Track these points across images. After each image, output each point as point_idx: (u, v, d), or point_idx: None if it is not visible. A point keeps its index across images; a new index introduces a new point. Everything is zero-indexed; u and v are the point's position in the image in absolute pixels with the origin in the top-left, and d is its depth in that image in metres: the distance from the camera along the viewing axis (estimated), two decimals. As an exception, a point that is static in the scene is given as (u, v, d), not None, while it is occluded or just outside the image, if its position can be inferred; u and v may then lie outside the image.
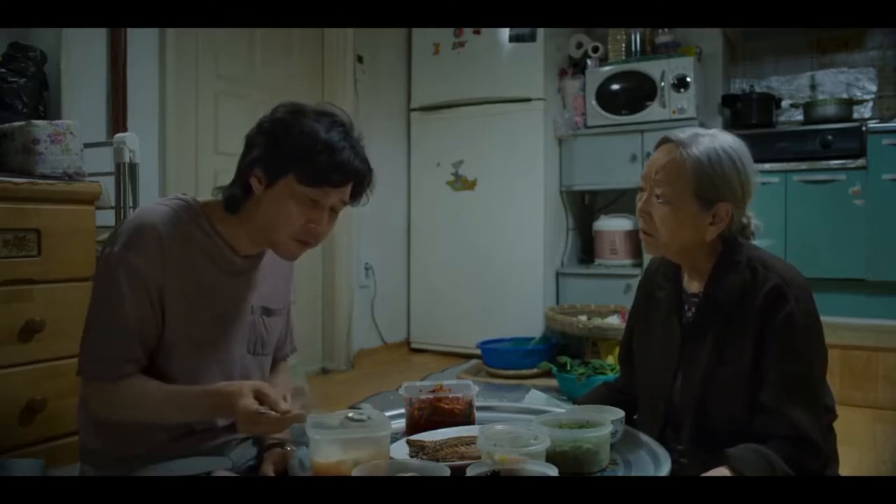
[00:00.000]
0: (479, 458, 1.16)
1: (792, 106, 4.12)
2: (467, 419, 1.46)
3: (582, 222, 4.31)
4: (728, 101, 4.09)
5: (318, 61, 3.83)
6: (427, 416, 1.45)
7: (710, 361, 1.33)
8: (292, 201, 1.27)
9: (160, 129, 2.87)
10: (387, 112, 4.20)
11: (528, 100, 3.96)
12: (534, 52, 3.96)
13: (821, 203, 3.54)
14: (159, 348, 1.29)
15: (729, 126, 4.01)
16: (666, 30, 4.03)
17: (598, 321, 3.54)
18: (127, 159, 2.17)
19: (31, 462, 1.55)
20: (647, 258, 3.62)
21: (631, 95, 3.92)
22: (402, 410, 1.50)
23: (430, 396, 1.46)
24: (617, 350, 3.17)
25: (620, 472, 1.24)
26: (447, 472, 1.07)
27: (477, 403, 1.50)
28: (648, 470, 1.22)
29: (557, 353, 3.54)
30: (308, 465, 1.25)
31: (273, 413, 1.16)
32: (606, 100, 3.99)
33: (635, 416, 1.49)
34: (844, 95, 3.95)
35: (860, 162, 3.46)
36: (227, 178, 1.37)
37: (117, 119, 2.64)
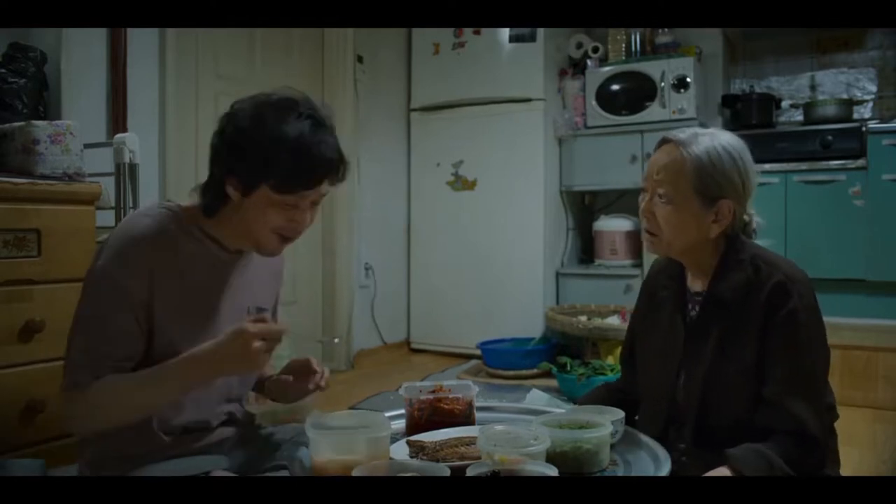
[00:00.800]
0: (479, 458, 1.16)
1: (792, 106, 4.12)
2: (467, 419, 1.46)
3: (582, 222, 4.31)
4: (728, 101, 4.09)
5: (318, 61, 3.83)
6: (427, 416, 1.45)
7: (713, 359, 1.33)
8: (272, 209, 1.26)
9: (160, 129, 2.87)
10: (387, 112, 4.20)
11: (528, 100, 3.96)
12: (534, 53, 3.95)
13: (821, 203, 3.54)
14: (151, 357, 1.27)
15: (729, 126, 4.01)
16: (666, 30, 4.03)
17: (598, 321, 3.54)
18: (127, 159, 2.17)
19: (31, 462, 1.55)
20: (647, 258, 3.60)
21: (631, 96, 3.92)
22: (402, 411, 1.50)
23: (430, 397, 1.47)
24: (617, 350, 3.19)
25: (620, 473, 1.24)
26: (447, 473, 1.07)
27: (477, 404, 1.50)
28: (648, 470, 1.22)
29: (557, 353, 3.53)
30: (308, 465, 1.25)
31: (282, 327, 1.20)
32: (606, 100, 3.98)
33: (636, 417, 1.50)
34: (844, 96, 3.95)
35: (860, 162, 3.46)
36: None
37: (117, 119, 2.64)
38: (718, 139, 1.34)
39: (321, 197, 1.31)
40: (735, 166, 1.33)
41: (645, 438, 1.35)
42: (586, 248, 4.30)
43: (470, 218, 4.11)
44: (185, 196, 1.39)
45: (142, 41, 2.78)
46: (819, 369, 1.31)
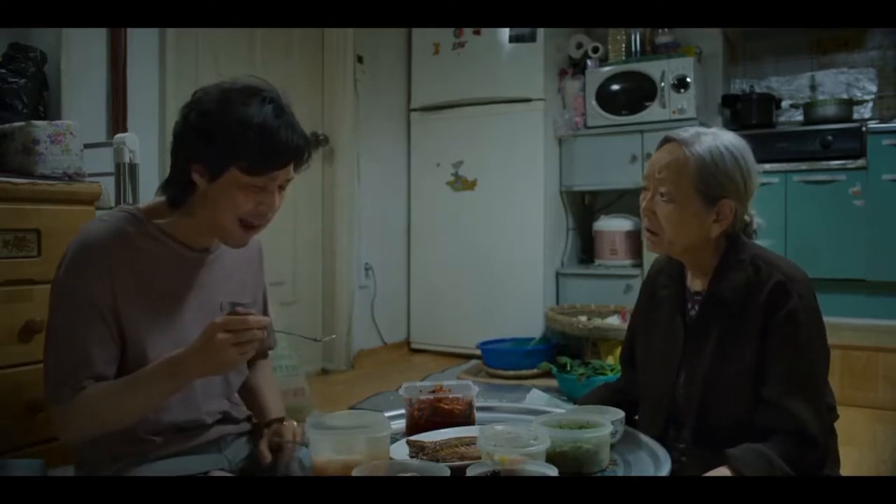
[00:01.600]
0: (479, 458, 1.16)
1: (792, 106, 4.12)
2: (467, 419, 1.46)
3: (582, 222, 4.31)
4: (728, 101, 4.09)
5: (318, 61, 3.83)
6: (427, 416, 1.45)
7: (713, 358, 1.33)
8: (240, 193, 1.25)
9: (160, 129, 2.87)
10: (387, 112, 4.20)
11: (528, 100, 3.96)
12: (534, 53, 3.95)
13: (821, 203, 3.54)
14: (128, 362, 1.26)
15: (729, 126, 4.01)
16: (666, 30, 4.03)
17: (598, 321, 3.54)
18: (127, 159, 2.17)
19: (31, 462, 1.54)
20: (647, 258, 3.60)
21: (631, 96, 3.92)
22: (402, 411, 1.50)
23: (430, 397, 1.46)
24: (617, 350, 3.19)
25: (620, 473, 1.24)
26: (447, 473, 1.07)
27: (477, 404, 1.50)
28: (648, 470, 1.22)
29: (557, 353, 3.53)
30: (308, 465, 1.25)
31: (249, 316, 1.18)
32: (606, 100, 3.98)
33: (636, 417, 1.50)
34: (844, 96, 3.95)
35: (860, 162, 3.46)
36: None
37: (117, 119, 2.64)
38: (721, 139, 1.35)
39: (287, 182, 1.30)
40: (737, 166, 1.34)
41: (645, 438, 1.34)
42: (586, 248, 4.30)
43: (470, 218, 4.11)
44: None
45: (142, 41, 2.78)
46: (819, 369, 1.31)
